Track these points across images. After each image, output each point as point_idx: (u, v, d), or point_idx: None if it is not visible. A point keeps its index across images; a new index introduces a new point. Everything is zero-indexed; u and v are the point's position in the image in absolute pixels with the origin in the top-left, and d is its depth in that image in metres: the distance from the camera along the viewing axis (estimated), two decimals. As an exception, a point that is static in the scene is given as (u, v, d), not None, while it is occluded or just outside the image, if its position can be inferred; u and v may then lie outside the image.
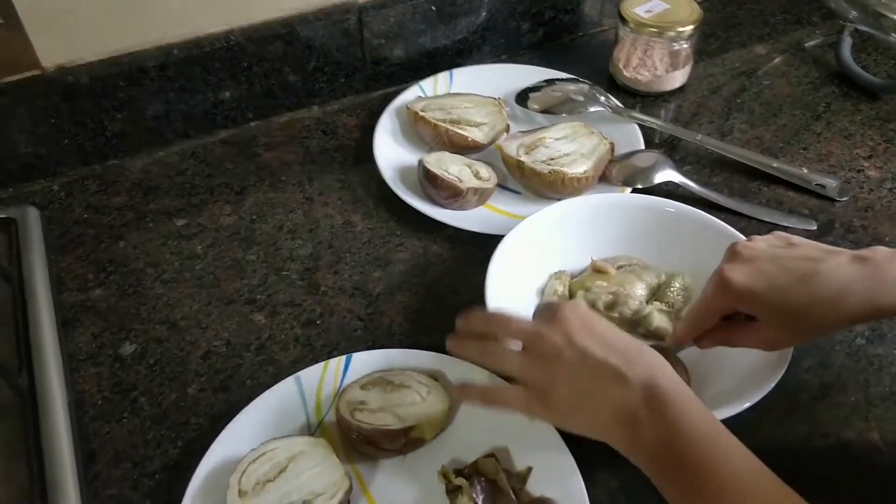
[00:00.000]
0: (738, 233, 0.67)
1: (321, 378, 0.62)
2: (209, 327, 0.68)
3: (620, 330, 0.52)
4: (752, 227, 0.76)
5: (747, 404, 0.56)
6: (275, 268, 0.73)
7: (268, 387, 0.61)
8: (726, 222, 0.69)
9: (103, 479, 0.58)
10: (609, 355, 0.49)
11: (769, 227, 0.76)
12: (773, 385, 0.57)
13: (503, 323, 0.54)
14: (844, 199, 0.80)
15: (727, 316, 0.57)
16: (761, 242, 0.56)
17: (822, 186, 0.80)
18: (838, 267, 0.52)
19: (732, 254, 0.55)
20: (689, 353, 0.63)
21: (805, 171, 0.81)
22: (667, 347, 0.61)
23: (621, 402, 0.48)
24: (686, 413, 0.47)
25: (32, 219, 0.75)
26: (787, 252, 0.54)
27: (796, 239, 0.56)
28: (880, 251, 0.53)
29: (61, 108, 0.76)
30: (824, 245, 0.55)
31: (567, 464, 0.56)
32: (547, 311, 0.52)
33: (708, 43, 1.00)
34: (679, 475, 0.46)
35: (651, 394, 0.47)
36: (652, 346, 0.52)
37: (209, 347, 0.67)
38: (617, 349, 0.49)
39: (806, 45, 1.00)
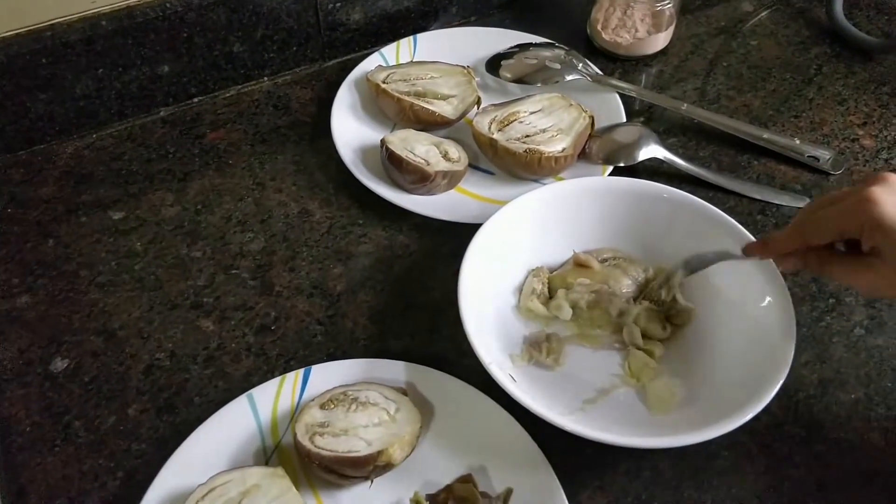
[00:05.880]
0: (736, 223, 0.61)
1: (277, 395, 0.56)
2: (151, 337, 0.62)
3: None
4: (742, 205, 0.71)
5: (746, 418, 0.51)
6: (223, 266, 0.66)
7: (218, 405, 0.55)
8: (714, 201, 0.64)
9: (35, 518, 0.52)
10: None
11: (760, 206, 0.71)
12: (772, 396, 0.52)
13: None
14: (839, 172, 0.74)
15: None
16: None
17: (816, 159, 0.75)
18: None
19: (881, 178, 0.48)
20: (677, 366, 0.59)
21: (797, 141, 0.76)
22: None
23: None
24: None
25: (-52, 216, 0.67)
26: None
27: None
28: None
29: (-26, 90, 0.68)
30: None
31: (550, 484, 0.52)
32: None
33: (691, -1, 0.93)
34: None
35: None
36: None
37: (152, 361, 0.60)
38: None
39: (794, -2, 0.93)
